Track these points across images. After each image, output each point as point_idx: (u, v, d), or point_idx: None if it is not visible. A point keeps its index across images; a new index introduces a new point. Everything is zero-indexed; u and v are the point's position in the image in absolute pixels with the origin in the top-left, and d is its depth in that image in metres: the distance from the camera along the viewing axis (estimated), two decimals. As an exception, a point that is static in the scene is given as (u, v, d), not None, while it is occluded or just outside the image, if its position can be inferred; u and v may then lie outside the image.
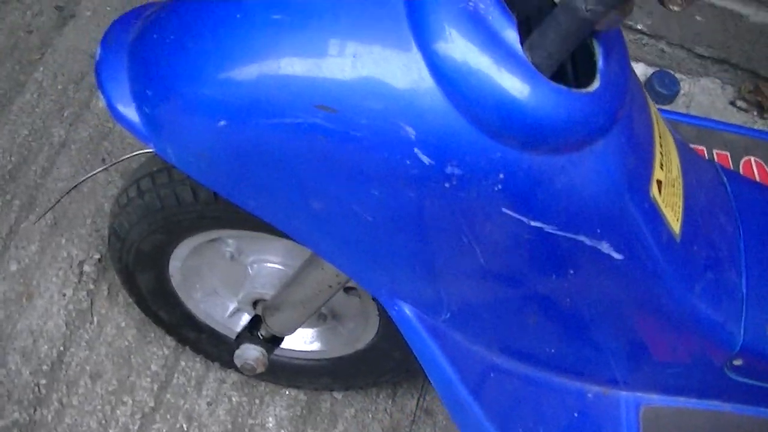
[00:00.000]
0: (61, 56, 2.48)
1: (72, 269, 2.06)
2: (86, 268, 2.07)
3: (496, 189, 1.11)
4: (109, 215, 1.65)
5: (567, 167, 1.12)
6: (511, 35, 1.03)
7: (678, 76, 2.66)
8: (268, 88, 1.10)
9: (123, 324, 2.01)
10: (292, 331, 1.58)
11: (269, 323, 1.60)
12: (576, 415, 1.44)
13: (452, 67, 1.05)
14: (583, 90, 1.08)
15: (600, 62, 1.11)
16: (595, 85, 1.10)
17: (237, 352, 1.58)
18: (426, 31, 1.06)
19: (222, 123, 1.14)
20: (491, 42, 1.05)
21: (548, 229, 1.16)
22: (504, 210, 1.13)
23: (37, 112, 2.35)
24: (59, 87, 2.41)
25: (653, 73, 2.66)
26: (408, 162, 1.09)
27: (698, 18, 2.52)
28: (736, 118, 2.62)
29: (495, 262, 1.22)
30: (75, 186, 2.03)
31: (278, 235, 1.49)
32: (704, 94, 2.66)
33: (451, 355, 1.33)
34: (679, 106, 2.62)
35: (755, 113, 2.66)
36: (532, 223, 1.15)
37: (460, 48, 1.05)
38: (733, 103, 2.68)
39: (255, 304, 1.67)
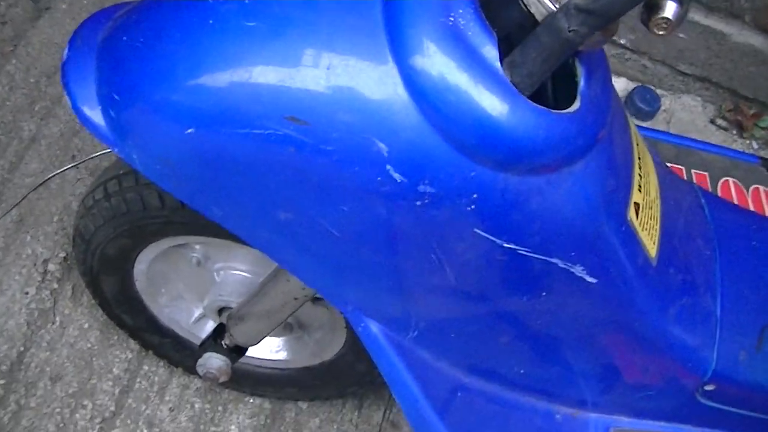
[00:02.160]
0: (34, 49, 2.43)
1: (36, 267, 2.01)
2: (51, 266, 2.02)
3: (469, 209, 1.07)
4: (75, 216, 1.61)
5: (543, 189, 1.09)
6: (491, 52, 1.00)
7: (659, 92, 2.64)
8: (239, 96, 1.06)
9: (86, 325, 1.96)
10: (256, 342, 1.53)
11: (233, 333, 1.52)
12: (544, 437, 1.40)
13: (428, 83, 1.02)
14: (563, 111, 1.05)
15: (581, 83, 1.08)
16: (576, 106, 1.07)
17: (200, 360, 1.54)
18: (403, 45, 1.03)
19: (190, 131, 1.11)
20: (470, 58, 1.01)
21: (521, 251, 1.13)
22: (476, 230, 1.09)
23: (7, 105, 2.30)
24: (31, 80, 2.36)
25: (634, 88, 2.64)
26: (379, 178, 1.06)
27: (681, 35, 2.50)
28: (716, 136, 2.60)
29: (465, 282, 1.19)
30: (43, 182, 2.06)
31: (246, 243, 1.45)
32: (685, 111, 2.64)
33: (417, 372, 1.29)
34: (659, 122, 2.60)
35: (734, 132, 2.65)
36: (505, 245, 1.12)
37: (437, 63, 1.01)
38: (713, 122, 2.67)
39: (220, 311, 1.63)
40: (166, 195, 1.42)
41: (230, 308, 1.62)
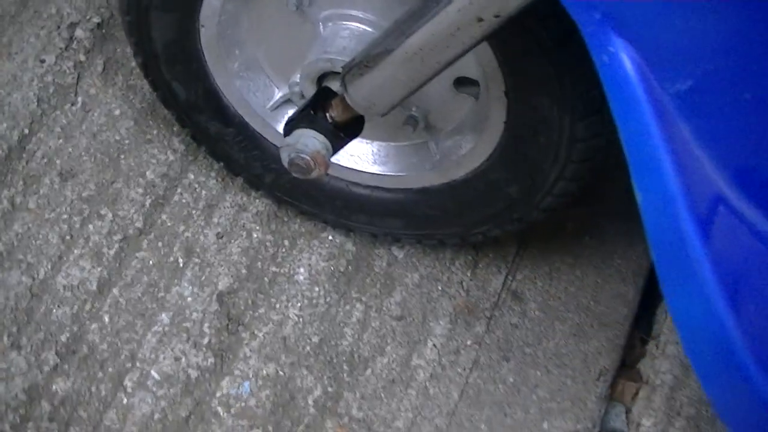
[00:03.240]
0: None
1: (59, 32, 1.72)
2: (79, 33, 1.72)
3: None
4: None
5: None
6: None
7: None
8: None
9: (117, 112, 1.68)
10: (383, 107, 1.14)
11: (351, 91, 1.12)
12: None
13: None
14: None
15: None
16: None
17: (287, 139, 1.21)
18: None
19: None
20: None
21: None
22: None
23: None
24: None
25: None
26: None
27: None
28: None
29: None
30: None
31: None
32: None
33: (675, 152, 0.87)
34: None
35: None
36: None
37: None
38: None
39: (320, 80, 1.28)
40: None
41: (335, 73, 1.23)
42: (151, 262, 1.58)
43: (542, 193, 1.30)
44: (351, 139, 1.23)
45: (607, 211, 1.59)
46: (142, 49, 1.39)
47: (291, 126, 1.22)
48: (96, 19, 1.74)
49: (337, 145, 1.21)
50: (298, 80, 1.31)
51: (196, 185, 1.65)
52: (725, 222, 0.94)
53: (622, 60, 0.84)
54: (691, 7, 0.81)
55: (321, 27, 1.28)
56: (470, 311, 1.59)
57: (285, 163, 1.22)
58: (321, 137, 1.20)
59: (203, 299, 1.56)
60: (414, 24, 1.01)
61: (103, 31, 1.74)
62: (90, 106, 1.68)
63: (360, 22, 1.25)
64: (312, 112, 1.21)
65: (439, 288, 1.61)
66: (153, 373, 1.50)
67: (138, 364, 1.50)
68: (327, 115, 1.20)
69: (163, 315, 1.54)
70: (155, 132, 1.67)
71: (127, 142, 1.67)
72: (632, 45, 0.84)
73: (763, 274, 0.97)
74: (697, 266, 0.88)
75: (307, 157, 1.19)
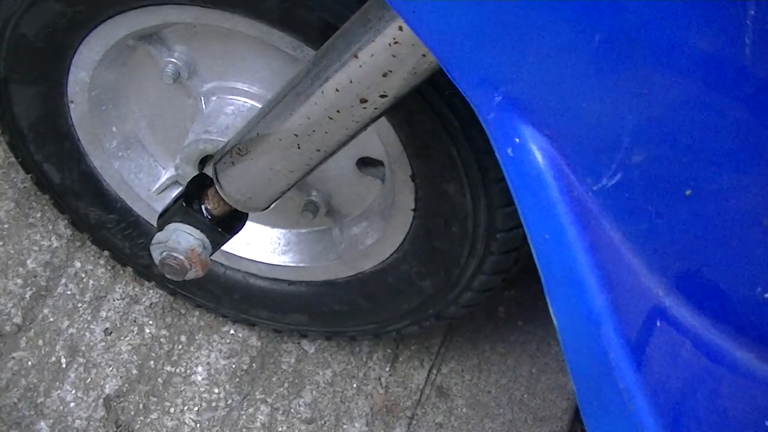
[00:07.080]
0: None
1: None
2: None
3: None
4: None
5: None
6: None
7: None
8: None
9: None
10: (261, 202, 1.04)
11: (223, 182, 1.01)
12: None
13: None
14: None
15: None
16: None
17: (159, 235, 1.09)
18: None
19: None
20: None
21: None
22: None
23: None
24: None
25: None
26: None
27: None
28: None
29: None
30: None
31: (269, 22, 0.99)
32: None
33: (602, 266, 0.75)
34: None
35: None
36: None
37: None
38: None
39: (203, 162, 1.20)
40: None
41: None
42: (29, 363, 1.49)
43: (460, 289, 1.20)
44: (233, 235, 1.11)
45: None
46: (6, 127, 1.28)
47: (163, 219, 1.10)
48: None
49: (216, 243, 1.09)
50: (184, 152, 1.21)
51: (83, 274, 1.56)
52: (663, 338, 0.82)
53: (531, 153, 0.72)
54: (617, 84, 0.69)
55: (203, 102, 1.18)
56: (390, 410, 1.52)
57: (156, 263, 1.09)
58: (197, 233, 1.07)
59: (88, 404, 1.47)
60: (288, 105, 0.89)
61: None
62: (-39, 185, 1.58)
63: (247, 97, 1.15)
64: (185, 203, 1.08)
65: (355, 385, 1.54)
66: (29, 492, 1.38)
67: (12, 482, 1.39)
68: (203, 207, 1.08)
69: (42, 423, 1.46)
70: (38, 215, 1.59)
71: (5, 226, 1.59)
72: (543, 133, 0.72)
73: (701, 385, 0.86)
74: (629, 399, 0.77)
75: (181, 257, 1.07)
